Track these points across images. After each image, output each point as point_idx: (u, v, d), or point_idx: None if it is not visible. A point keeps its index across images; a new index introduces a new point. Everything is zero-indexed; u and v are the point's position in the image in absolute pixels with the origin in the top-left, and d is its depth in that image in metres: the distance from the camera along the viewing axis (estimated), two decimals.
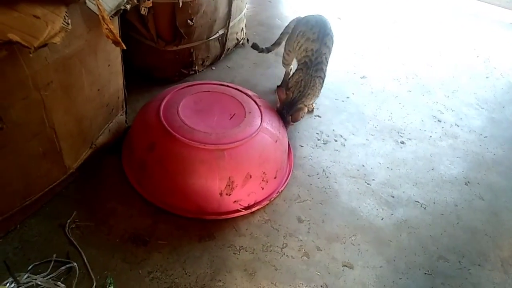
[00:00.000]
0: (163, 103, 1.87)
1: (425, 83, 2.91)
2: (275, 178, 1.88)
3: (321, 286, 1.59)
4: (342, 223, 1.85)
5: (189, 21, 2.33)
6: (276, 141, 1.87)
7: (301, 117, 2.12)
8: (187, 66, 2.60)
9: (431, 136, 2.43)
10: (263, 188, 1.83)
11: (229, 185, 1.71)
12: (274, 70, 2.84)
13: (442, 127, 2.52)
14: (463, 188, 2.11)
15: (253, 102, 1.99)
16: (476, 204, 2.03)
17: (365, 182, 2.07)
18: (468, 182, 2.14)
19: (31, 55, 1.11)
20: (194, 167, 1.70)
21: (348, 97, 2.66)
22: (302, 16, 2.32)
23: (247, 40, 3.04)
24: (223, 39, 2.71)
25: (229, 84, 2.09)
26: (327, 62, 2.17)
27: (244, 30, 2.98)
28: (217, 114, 1.87)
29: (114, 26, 1.30)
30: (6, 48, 1.03)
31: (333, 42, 2.18)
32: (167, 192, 1.78)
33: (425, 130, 2.47)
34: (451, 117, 2.61)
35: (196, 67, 2.64)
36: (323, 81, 2.16)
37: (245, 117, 1.87)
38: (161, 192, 1.79)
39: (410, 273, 1.68)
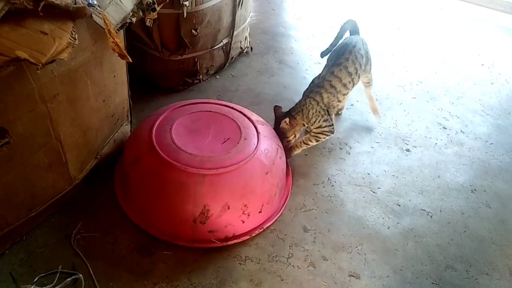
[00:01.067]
0: (160, 119, 1.84)
1: (429, 89, 2.91)
2: (259, 212, 1.74)
3: None
4: (348, 232, 1.84)
5: (193, 31, 2.35)
6: (267, 173, 1.74)
7: (293, 155, 2.13)
8: (192, 75, 2.61)
9: (436, 144, 2.42)
10: (243, 222, 1.70)
11: (204, 213, 1.61)
12: (278, 78, 2.85)
13: (448, 134, 2.50)
14: (469, 196, 2.09)
15: (253, 128, 1.87)
16: (483, 212, 2.02)
17: (371, 190, 2.06)
18: (475, 189, 2.13)
19: (38, 71, 1.12)
20: (171, 188, 1.64)
21: (352, 105, 2.66)
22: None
23: (251, 48, 3.05)
24: (227, 48, 2.72)
25: (234, 106, 2.00)
26: (332, 90, 2.03)
27: (248, 39, 3.00)
28: (211, 136, 1.80)
29: (120, 40, 1.31)
30: (14, 63, 1.05)
31: (348, 73, 2.05)
32: (144, 209, 1.75)
33: (430, 138, 2.46)
34: (457, 124, 2.60)
35: (201, 76, 2.66)
36: (317, 106, 2.02)
37: (238, 143, 1.76)
38: (138, 208, 1.76)
39: (417, 283, 1.66)
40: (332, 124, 2.05)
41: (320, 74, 2.10)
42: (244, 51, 2.98)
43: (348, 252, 1.76)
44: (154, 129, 1.78)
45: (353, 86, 2.13)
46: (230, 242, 1.69)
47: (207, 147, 1.74)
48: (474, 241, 1.86)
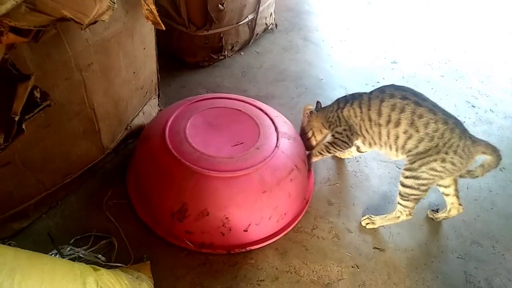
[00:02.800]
0: (182, 107, 1.81)
1: (458, 68, 2.84)
2: (245, 231, 1.58)
3: (352, 267, 1.61)
4: (372, 207, 1.85)
5: (220, 5, 2.35)
6: (265, 192, 1.55)
7: (311, 163, 1.90)
8: (217, 51, 2.63)
9: (464, 122, 2.33)
10: (223, 235, 1.56)
11: (181, 212, 1.54)
12: (303, 55, 2.83)
13: (476, 113, 2.45)
14: (497, 174, 2.06)
15: (275, 139, 1.70)
16: (511, 189, 1.99)
17: (396, 166, 2.05)
18: (503, 168, 2.09)
19: (83, 31, 1.15)
20: (162, 174, 1.60)
21: (378, 82, 2.63)
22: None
23: (276, 25, 3.04)
24: (252, 24, 2.71)
25: (265, 108, 1.86)
26: (360, 110, 1.68)
27: (273, 15, 2.98)
28: (226, 136, 1.69)
29: (154, 7, 1.33)
30: (55, 27, 1.08)
31: (388, 118, 1.59)
32: (139, 189, 1.73)
33: (458, 116, 2.36)
34: (486, 103, 2.54)
35: (226, 52, 2.66)
36: (339, 112, 1.74)
37: (248, 151, 1.62)
38: (136, 186, 1.76)
39: (442, 257, 1.67)
40: (347, 142, 1.73)
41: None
42: (269, 28, 2.96)
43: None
44: (173, 116, 1.74)
45: (379, 138, 1.64)
46: (204, 250, 1.58)
47: (215, 145, 1.64)
48: (501, 218, 1.84)
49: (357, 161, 2.06)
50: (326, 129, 1.85)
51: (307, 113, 1.90)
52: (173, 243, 1.60)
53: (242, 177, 1.54)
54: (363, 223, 1.74)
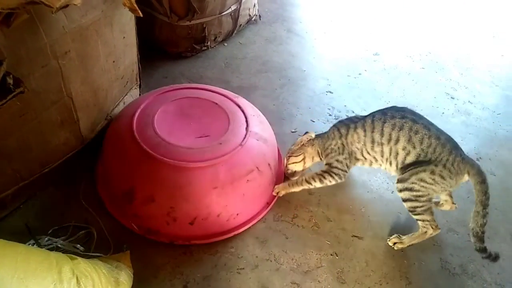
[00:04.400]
0: (160, 93, 1.82)
1: (438, 60, 2.88)
2: (190, 224, 1.54)
3: (331, 255, 1.63)
4: (352, 195, 1.88)
5: None
6: (215, 188, 1.52)
7: (290, 191, 1.78)
8: (200, 42, 2.61)
9: (443, 113, 2.42)
10: (168, 224, 1.54)
11: (130, 194, 1.55)
12: (286, 46, 2.84)
13: (455, 104, 2.50)
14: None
15: (242, 136, 1.65)
16: (487, 179, 2.03)
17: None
18: (480, 157, 2.14)
19: (53, 14, 1.13)
20: (120, 153, 1.63)
21: (360, 74, 2.65)
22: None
23: (259, 16, 3.03)
24: (235, 15, 2.70)
25: (242, 103, 1.82)
26: (363, 134, 1.67)
27: (257, 7, 2.97)
28: (194, 127, 1.67)
29: None
30: (27, 11, 1.06)
31: (394, 139, 1.60)
32: (103, 165, 1.75)
33: (437, 107, 2.46)
34: (465, 94, 2.59)
35: (209, 43, 2.65)
36: (339, 139, 1.70)
37: (209, 145, 1.59)
38: (102, 161, 1.77)
39: (418, 244, 1.70)
40: (345, 170, 1.70)
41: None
42: (253, 19, 2.96)
43: (351, 214, 1.80)
44: (151, 98, 1.76)
45: (381, 156, 1.65)
46: (149, 237, 1.56)
47: (179, 134, 1.62)
48: None
49: None
50: (320, 158, 1.78)
51: (306, 139, 1.78)
52: (124, 225, 1.60)
53: (195, 170, 1.52)
54: (391, 243, 1.68)
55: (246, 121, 1.74)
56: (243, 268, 1.55)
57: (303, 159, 1.79)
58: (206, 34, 2.59)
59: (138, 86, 2.14)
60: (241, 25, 2.85)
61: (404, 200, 1.61)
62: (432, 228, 1.62)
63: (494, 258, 1.51)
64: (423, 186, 1.55)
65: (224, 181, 1.54)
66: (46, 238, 1.50)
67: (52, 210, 1.64)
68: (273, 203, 1.76)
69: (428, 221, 1.61)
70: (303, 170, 1.85)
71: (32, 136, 1.51)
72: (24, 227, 1.53)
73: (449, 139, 1.58)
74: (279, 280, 1.52)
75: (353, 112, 2.34)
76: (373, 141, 1.64)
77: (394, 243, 1.67)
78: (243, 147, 1.61)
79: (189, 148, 1.56)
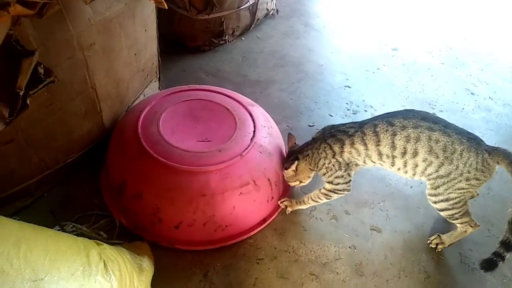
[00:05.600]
0: (177, 92, 1.81)
1: (459, 56, 2.85)
2: (175, 227, 1.50)
3: (349, 247, 1.64)
4: (370, 190, 1.87)
5: None
6: (203, 196, 1.46)
7: (295, 209, 1.72)
8: (218, 36, 2.63)
9: (463, 109, 2.40)
10: (153, 224, 1.52)
11: (121, 188, 1.55)
12: (304, 41, 2.83)
13: (475, 100, 2.47)
14: None
15: (245, 145, 1.59)
16: (507, 175, 1.98)
17: None
18: None
19: (87, 5, 1.15)
20: (120, 146, 1.63)
21: (379, 69, 2.64)
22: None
23: (277, 11, 3.03)
24: (253, 9, 2.71)
25: (253, 110, 1.75)
26: (361, 147, 1.50)
27: (274, 1, 2.97)
28: (198, 130, 1.64)
29: None
30: (58, 2, 1.09)
31: (392, 144, 1.46)
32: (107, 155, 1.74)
33: (457, 103, 2.44)
34: (485, 90, 2.55)
35: (227, 37, 2.67)
36: (333, 158, 1.53)
37: (208, 151, 1.54)
38: (108, 152, 1.74)
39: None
40: (349, 182, 1.58)
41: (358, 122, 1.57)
42: (270, 13, 2.96)
43: (370, 208, 1.80)
44: (164, 95, 1.77)
45: (391, 166, 1.51)
46: (137, 232, 1.55)
47: (181, 136, 1.59)
48: (497, 203, 1.87)
49: None
50: (313, 170, 1.63)
51: (293, 169, 1.60)
52: (114, 215, 1.60)
53: (185, 173, 1.48)
54: (432, 244, 1.65)
55: (254, 132, 1.65)
56: (262, 259, 1.56)
57: (300, 182, 1.66)
58: (224, 28, 2.61)
59: (157, 79, 2.17)
60: (258, 19, 2.85)
61: (441, 210, 1.54)
62: (471, 226, 1.58)
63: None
64: (461, 193, 1.48)
65: (214, 190, 1.48)
66: (71, 225, 1.54)
67: (75, 199, 1.68)
68: (270, 220, 1.66)
69: (466, 222, 1.57)
70: (301, 183, 1.68)
71: (58, 126, 1.55)
72: (49, 214, 1.58)
73: (471, 138, 1.46)
74: (298, 271, 1.54)
75: (371, 106, 2.33)
76: (380, 154, 1.49)
77: (436, 244, 1.64)
78: (243, 158, 1.54)
79: (186, 150, 1.53)
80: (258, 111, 1.80)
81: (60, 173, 1.69)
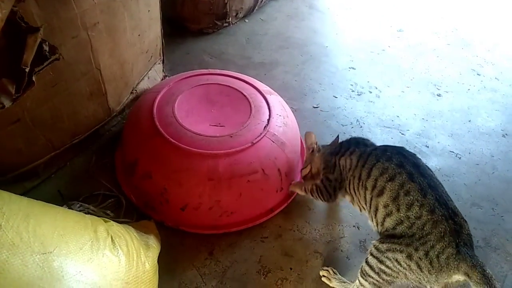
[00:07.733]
0: (193, 75, 1.82)
1: (465, 37, 2.81)
2: (181, 209, 1.52)
3: (353, 226, 1.65)
4: None
5: None
6: (211, 179, 1.46)
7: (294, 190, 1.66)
8: (221, 18, 2.61)
9: (469, 89, 2.38)
10: (161, 204, 1.54)
11: (133, 165, 1.58)
12: (308, 22, 2.81)
13: (481, 81, 2.45)
14: (500, 140, 2.07)
15: (258, 134, 1.56)
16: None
17: (400, 132, 2.07)
18: (506, 134, 2.10)
19: None
20: (135, 126, 1.66)
21: (383, 50, 2.62)
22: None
23: None
24: None
25: (271, 102, 1.72)
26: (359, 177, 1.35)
27: None
28: (211, 115, 1.64)
29: None
30: None
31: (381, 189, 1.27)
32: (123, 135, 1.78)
33: (463, 83, 2.42)
34: (491, 71, 2.53)
35: (230, 19, 2.65)
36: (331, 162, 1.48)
37: (219, 135, 1.54)
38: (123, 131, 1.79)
39: None
40: (330, 194, 1.46)
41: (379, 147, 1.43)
42: None
43: None
44: (181, 78, 1.78)
45: (367, 209, 1.34)
46: (145, 211, 1.58)
47: (195, 118, 1.60)
48: (502, 182, 1.87)
49: (361, 127, 2.08)
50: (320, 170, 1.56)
51: (311, 147, 1.62)
52: (125, 192, 1.63)
53: (194, 155, 1.48)
54: (321, 273, 1.47)
55: (268, 120, 1.64)
56: (267, 237, 1.58)
57: (310, 169, 1.61)
58: (228, 10, 2.59)
59: (161, 61, 2.17)
60: (262, 1, 2.83)
61: (367, 262, 1.26)
62: None
63: None
64: (395, 266, 1.19)
65: (222, 176, 1.47)
66: (78, 204, 1.55)
67: (82, 180, 1.70)
68: (278, 210, 1.63)
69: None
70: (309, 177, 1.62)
71: (63, 107, 1.56)
72: (56, 194, 1.59)
73: (449, 217, 1.15)
74: (302, 249, 1.55)
75: (376, 88, 2.32)
76: (360, 178, 1.34)
77: (323, 275, 1.46)
78: (253, 146, 1.53)
79: (198, 134, 1.53)
80: (276, 100, 1.77)
81: (66, 154, 1.71)
